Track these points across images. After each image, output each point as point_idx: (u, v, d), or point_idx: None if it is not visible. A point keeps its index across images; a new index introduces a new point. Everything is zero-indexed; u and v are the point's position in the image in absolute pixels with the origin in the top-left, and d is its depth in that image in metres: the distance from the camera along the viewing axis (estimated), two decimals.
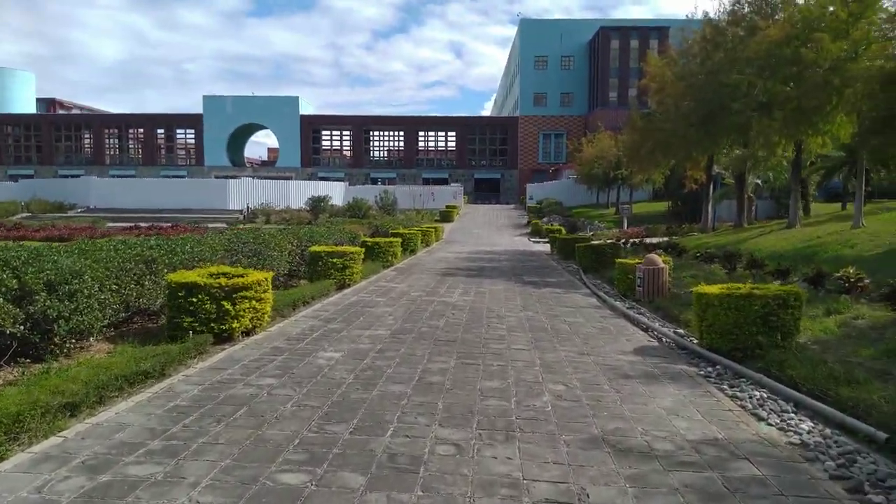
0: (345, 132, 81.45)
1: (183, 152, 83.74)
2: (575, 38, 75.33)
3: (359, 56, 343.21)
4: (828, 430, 5.12)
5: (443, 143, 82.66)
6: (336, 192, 52.79)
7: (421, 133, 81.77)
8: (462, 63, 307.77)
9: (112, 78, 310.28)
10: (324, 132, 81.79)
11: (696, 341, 8.40)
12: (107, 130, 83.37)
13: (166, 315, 8.18)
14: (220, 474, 4.03)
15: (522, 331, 9.26)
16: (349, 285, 13.84)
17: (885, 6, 16.92)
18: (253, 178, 56.84)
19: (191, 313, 7.72)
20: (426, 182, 71.65)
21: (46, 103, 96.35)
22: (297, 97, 79.07)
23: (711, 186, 29.86)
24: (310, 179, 66.22)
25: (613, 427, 5.09)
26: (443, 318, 10.24)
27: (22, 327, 6.20)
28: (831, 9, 17.34)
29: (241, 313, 8.03)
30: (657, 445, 4.71)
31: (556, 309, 11.53)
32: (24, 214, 42.23)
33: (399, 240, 20.78)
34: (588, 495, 3.86)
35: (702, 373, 7.06)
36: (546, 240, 32.33)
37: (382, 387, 6.08)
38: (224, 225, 30.48)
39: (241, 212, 42.95)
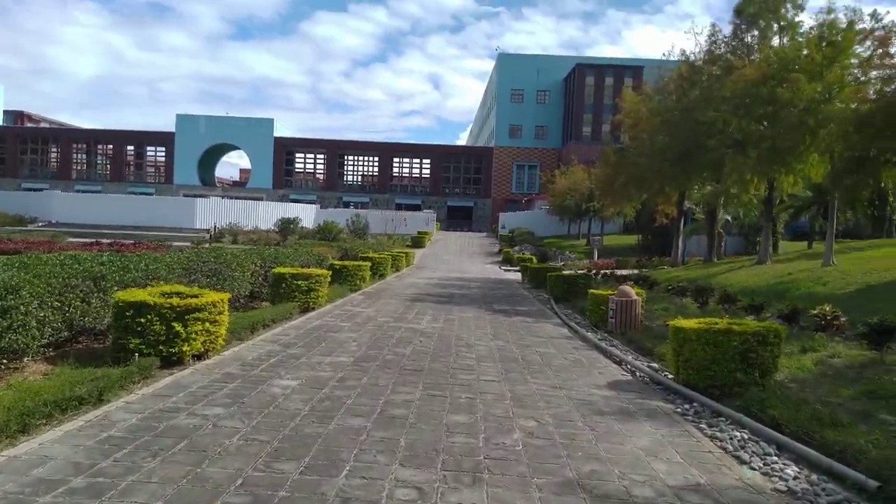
0: (319, 155, 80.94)
1: (152, 169, 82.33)
2: (551, 73, 76.43)
3: (337, 83, 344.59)
4: (814, 476, 4.80)
5: (417, 170, 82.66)
6: (307, 215, 52.12)
7: (396, 159, 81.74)
8: (440, 94, 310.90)
9: (87, 94, 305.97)
10: (297, 155, 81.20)
11: (671, 376, 8.10)
12: (75, 145, 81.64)
13: (112, 336, 7.62)
14: None
15: (492, 361, 8.87)
16: (314, 309, 13.33)
17: (857, 52, 17.26)
18: (222, 197, 55.95)
19: (138, 334, 7.17)
20: (399, 207, 71.28)
21: (14, 116, 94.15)
22: (272, 119, 78.56)
23: (682, 221, 30.05)
24: (281, 201, 65.42)
25: (589, 469, 4.71)
26: (410, 345, 9.80)
27: None
28: (805, 52, 17.63)
29: (193, 336, 7.50)
30: (636, 491, 4.33)
31: (527, 339, 11.17)
32: None
33: (368, 264, 20.33)
34: None
35: (678, 410, 6.73)
36: (517, 268, 32.16)
37: (340, 420, 5.62)
38: (189, 244, 29.67)
39: (207, 231, 42.01)
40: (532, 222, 60.24)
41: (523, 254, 38.16)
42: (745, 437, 5.79)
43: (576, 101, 71.98)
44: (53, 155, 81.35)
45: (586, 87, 71.73)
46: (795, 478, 4.78)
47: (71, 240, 31.25)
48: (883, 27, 17.05)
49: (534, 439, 5.37)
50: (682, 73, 24.66)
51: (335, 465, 4.51)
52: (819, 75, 16.91)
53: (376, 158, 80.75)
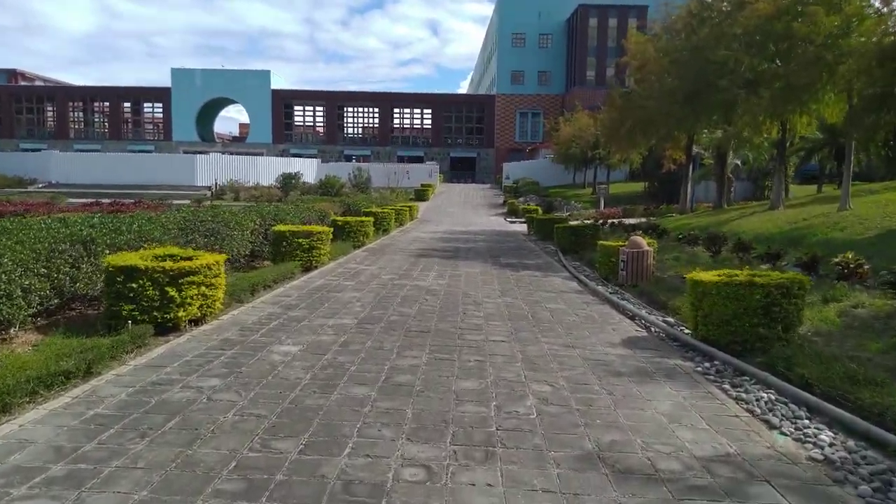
0: (318, 108, 79.47)
1: (150, 126, 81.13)
2: (553, 15, 74.12)
3: (334, 32, 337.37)
4: (851, 443, 4.46)
5: (418, 121, 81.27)
6: (308, 169, 51.39)
7: (396, 110, 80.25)
8: (438, 41, 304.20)
9: (80, 50, 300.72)
10: (296, 108, 79.75)
11: (687, 332, 7.76)
12: (71, 103, 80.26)
13: (104, 302, 7.30)
14: None
15: (501, 319, 8.53)
16: (316, 267, 12.99)
17: None
18: (222, 153, 55.15)
19: (131, 300, 6.84)
20: (401, 160, 70.28)
21: (7, 74, 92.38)
22: (269, 71, 76.82)
23: (691, 167, 29.36)
24: (281, 156, 64.53)
25: (609, 440, 4.38)
26: (415, 304, 9.46)
27: None
28: None
29: (189, 300, 7.17)
30: (662, 465, 4.01)
31: (536, 294, 10.82)
32: None
33: (371, 219, 19.90)
34: None
35: (699, 369, 6.40)
36: (523, 220, 31.69)
37: (343, 389, 5.30)
38: (189, 202, 29.24)
39: (209, 188, 41.50)
40: (536, 172, 59.41)
41: (528, 205, 37.63)
42: (773, 398, 5.45)
43: (579, 44, 70.01)
44: (50, 114, 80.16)
45: (590, 28, 69.65)
46: (831, 444, 4.45)
47: (71, 200, 30.91)
48: None
49: (548, 406, 5.05)
50: (691, 10, 23.60)
51: (337, 442, 4.20)
52: (838, 7, 16.03)
53: (376, 110, 79.29)
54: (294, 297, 9.74)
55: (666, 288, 10.56)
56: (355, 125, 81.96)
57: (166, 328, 7.03)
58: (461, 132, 79.11)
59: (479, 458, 4.01)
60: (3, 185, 42.61)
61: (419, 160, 71.55)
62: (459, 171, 76.05)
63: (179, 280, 7.05)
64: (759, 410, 5.17)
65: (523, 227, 28.82)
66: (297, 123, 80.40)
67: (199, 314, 7.47)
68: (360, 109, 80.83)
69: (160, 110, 78.82)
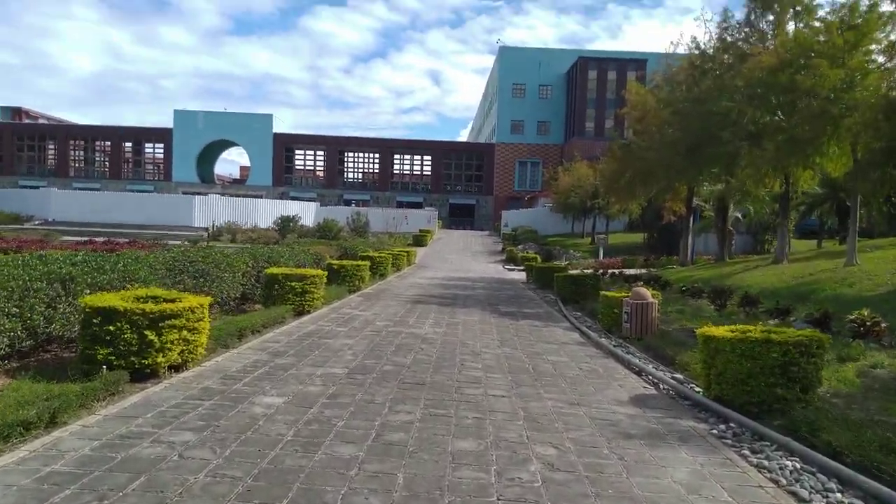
0: (319, 152, 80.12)
1: (151, 167, 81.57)
2: (553, 67, 75.48)
3: (337, 79, 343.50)
4: None
5: (418, 167, 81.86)
6: (307, 212, 51.32)
7: (396, 156, 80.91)
8: (440, 90, 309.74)
9: (86, 90, 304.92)
10: (297, 151, 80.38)
11: (698, 390, 7.31)
12: (72, 142, 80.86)
13: (79, 345, 6.85)
14: None
15: (501, 372, 8.08)
16: (308, 312, 12.55)
17: (879, 37, 16.39)
18: (221, 195, 55.20)
19: (107, 344, 6.40)
20: (400, 205, 70.43)
21: (12, 111, 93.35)
22: (271, 115, 77.69)
23: (691, 218, 29.21)
24: (281, 198, 64.58)
25: None
26: (410, 353, 9.01)
27: None
28: (824, 37, 16.77)
29: (169, 345, 6.72)
30: None
31: (537, 345, 10.38)
32: None
33: (367, 263, 19.55)
34: None
35: (714, 431, 5.94)
36: (521, 268, 31.37)
37: (329, 448, 4.84)
38: (185, 242, 28.90)
39: (206, 229, 41.27)
40: (535, 220, 59.41)
41: (527, 252, 37.39)
42: (798, 466, 4.99)
43: (578, 95, 71.03)
44: (51, 152, 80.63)
45: (589, 80, 70.77)
46: None
47: (65, 238, 30.50)
48: None
49: (554, 472, 4.58)
50: (692, 61, 23.77)
51: None
52: (841, 61, 16.04)
53: (377, 155, 79.91)
54: (283, 342, 9.29)
55: (672, 342, 10.13)
56: (355, 170, 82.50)
57: (144, 374, 6.57)
58: (461, 179, 79.57)
59: None
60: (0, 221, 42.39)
61: (418, 206, 71.71)
62: (458, 217, 76.19)
63: (160, 323, 6.63)
64: (784, 481, 4.71)
65: (522, 275, 28.48)
66: (297, 167, 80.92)
67: (180, 360, 7.02)
68: (361, 154, 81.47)
69: (161, 151, 79.36)
